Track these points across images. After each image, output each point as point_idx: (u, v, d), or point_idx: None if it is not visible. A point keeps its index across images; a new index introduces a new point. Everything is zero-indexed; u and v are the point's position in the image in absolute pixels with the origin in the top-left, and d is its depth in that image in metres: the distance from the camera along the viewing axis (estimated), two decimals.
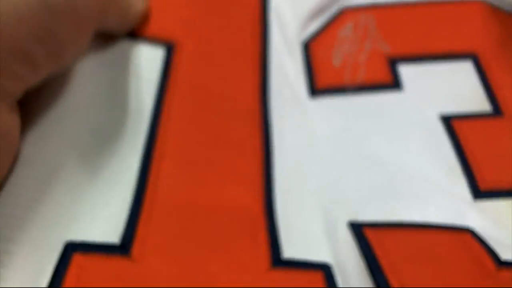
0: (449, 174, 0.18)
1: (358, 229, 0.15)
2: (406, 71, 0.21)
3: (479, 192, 0.17)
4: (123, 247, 0.14)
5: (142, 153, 0.16)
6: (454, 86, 0.21)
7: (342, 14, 0.24)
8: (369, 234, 0.15)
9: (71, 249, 0.13)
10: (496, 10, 0.23)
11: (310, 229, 0.16)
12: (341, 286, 0.14)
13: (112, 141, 0.16)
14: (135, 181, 0.15)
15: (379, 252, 0.15)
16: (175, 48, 0.20)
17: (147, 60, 0.20)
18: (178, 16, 0.21)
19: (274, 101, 0.20)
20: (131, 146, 0.16)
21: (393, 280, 0.14)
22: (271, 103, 0.20)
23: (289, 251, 0.15)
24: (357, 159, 0.18)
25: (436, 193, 0.17)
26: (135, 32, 0.20)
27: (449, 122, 0.19)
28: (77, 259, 0.13)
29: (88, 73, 0.18)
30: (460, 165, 0.18)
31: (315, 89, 0.21)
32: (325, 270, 0.14)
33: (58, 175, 0.15)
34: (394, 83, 0.21)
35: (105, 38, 0.19)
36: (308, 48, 0.23)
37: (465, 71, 0.21)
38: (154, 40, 0.20)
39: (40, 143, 0.15)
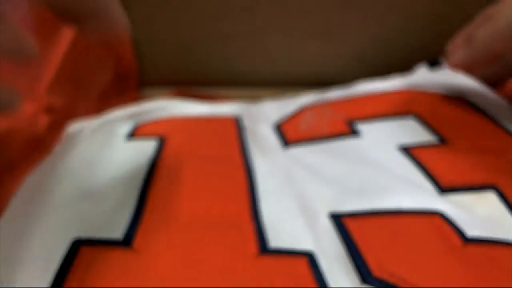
0: (416, 178, 0.20)
1: (338, 219, 0.17)
2: (362, 126, 0.26)
3: (441, 188, 0.20)
4: (126, 241, 0.15)
5: (142, 182, 0.19)
6: (403, 130, 0.25)
7: (304, 108, 0.30)
8: (348, 222, 0.17)
9: (78, 244, 0.15)
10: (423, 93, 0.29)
11: (293, 226, 0.17)
12: (324, 270, 0.15)
13: (116, 178, 0.19)
14: (137, 197, 0.18)
15: (357, 237, 0.16)
16: (166, 138, 0.25)
17: (145, 142, 0.24)
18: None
19: (252, 149, 0.24)
20: (131, 181, 0.19)
21: (371, 261, 0.15)
22: (250, 151, 0.23)
23: (275, 243, 0.16)
24: (334, 172, 0.21)
25: (409, 187, 0.19)
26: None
27: (407, 150, 0.23)
28: (84, 250, 0.15)
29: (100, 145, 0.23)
30: (423, 174, 0.21)
31: (287, 142, 0.25)
32: (309, 256, 0.16)
33: (65, 192, 0.17)
34: (353, 132, 0.25)
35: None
36: (279, 127, 0.28)
37: (411, 123, 0.26)
38: (149, 135, 0.25)
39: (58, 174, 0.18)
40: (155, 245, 0.15)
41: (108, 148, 0.23)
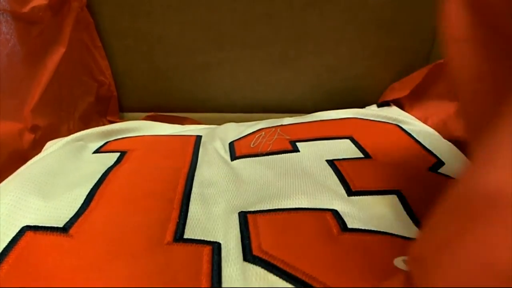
0: (331, 184, 0.24)
1: (244, 215, 0.20)
2: (302, 145, 0.30)
3: (351, 191, 0.23)
4: (64, 229, 0.19)
5: (93, 186, 0.23)
6: (337, 149, 0.28)
7: (259, 130, 0.33)
8: (250, 217, 0.20)
9: (26, 229, 0.18)
10: (364, 120, 0.34)
11: (211, 223, 0.20)
12: (222, 256, 0.18)
13: (73, 182, 0.23)
14: (85, 198, 0.21)
15: (252, 227, 0.19)
16: (128, 151, 0.29)
17: (109, 155, 0.28)
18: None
19: (201, 161, 0.27)
20: (85, 184, 0.23)
21: (254, 244, 0.18)
22: (198, 162, 0.27)
23: (190, 235, 0.19)
24: (264, 179, 0.24)
25: (317, 191, 0.22)
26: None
27: (333, 162, 0.26)
28: (29, 234, 0.18)
29: (68, 156, 0.27)
30: (339, 180, 0.24)
31: (235, 155, 0.29)
32: (214, 245, 0.19)
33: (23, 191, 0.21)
34: (294, 149, 0.29)
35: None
36: (233, 143, 0.31)
37: (346, 143, 0.29)
38: (113, 150, 0.29)
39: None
40: (88, 233, 0.19)
41: (74, 159, 0.27)
